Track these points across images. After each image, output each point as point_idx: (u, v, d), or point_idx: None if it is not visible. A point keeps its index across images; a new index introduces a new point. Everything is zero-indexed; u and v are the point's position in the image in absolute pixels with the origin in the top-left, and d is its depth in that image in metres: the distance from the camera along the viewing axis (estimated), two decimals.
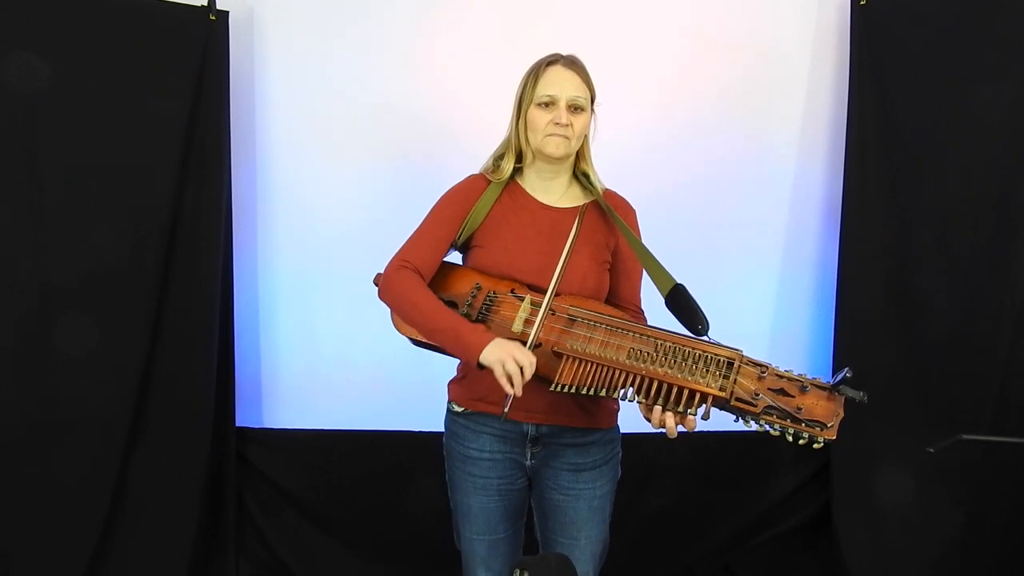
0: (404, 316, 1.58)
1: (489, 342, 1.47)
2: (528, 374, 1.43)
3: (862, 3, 2.32)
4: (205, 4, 2.31)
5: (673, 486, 2.57)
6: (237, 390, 2.52)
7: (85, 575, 2.34)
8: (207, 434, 2.42)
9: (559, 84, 1.59)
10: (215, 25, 2.32)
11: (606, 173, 1.76)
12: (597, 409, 1.64)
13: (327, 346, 2.56)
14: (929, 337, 2.38)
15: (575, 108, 1.59)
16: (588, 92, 1.63)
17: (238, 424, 2.54)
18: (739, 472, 2.58)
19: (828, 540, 2.53)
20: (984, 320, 2.34)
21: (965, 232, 2.33)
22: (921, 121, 2.33)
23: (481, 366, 1.47)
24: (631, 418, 1.68)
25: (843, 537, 2.46)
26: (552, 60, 1.63)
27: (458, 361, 1.67)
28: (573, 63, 1.63)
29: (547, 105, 1.59)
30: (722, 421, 1.46)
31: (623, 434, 1.74)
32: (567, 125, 1.58)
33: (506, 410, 1.47)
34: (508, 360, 1.43)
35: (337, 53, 2.45)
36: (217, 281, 2.40)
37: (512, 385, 1.42)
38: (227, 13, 2.35)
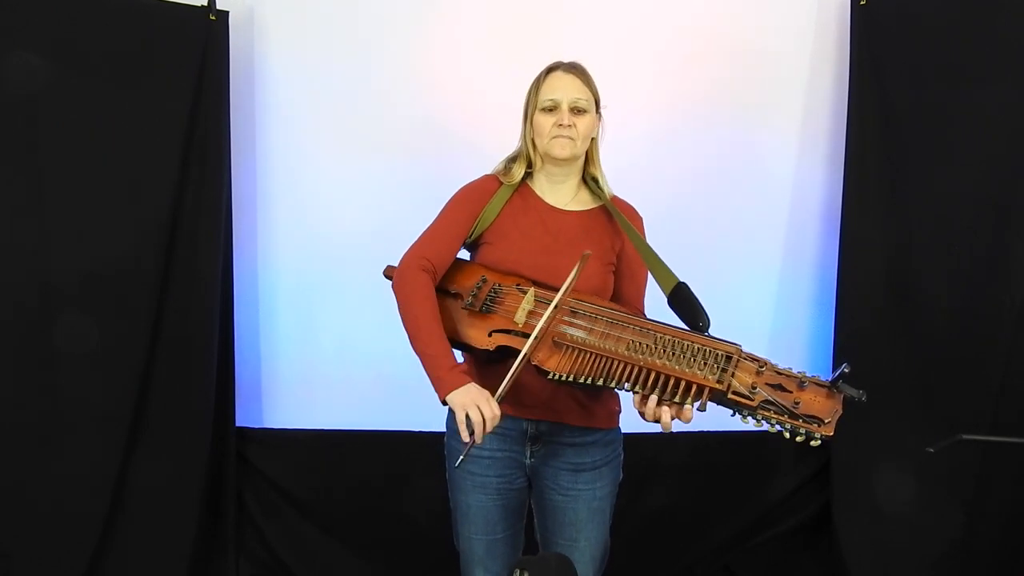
0: (404, 322, 1.59)
1: (462, 385, 1.48)
2: (490, 427, 1.44)
3: (862, 3, 2.32)
4: (205, 4, 2.31)
5: (673, 486, 2.57)
6: (237, 390, 2.52)
7: (85, 575, 2.34)
8: (207, 434, 2.42)
9: (560, 88, 1.64)
10: (215, 25, 2.32)
11: (607, 173, 1.76)
12: (596, 408, 1.65)
13: (327, 346, 2.56)
14: (929, 337, 2.38)
15: (577, 110, 1.64)
16: (591, 95, 1.67)
17: (238, 424, 2.54)
18: (739, 472, 2.58)
19: (828, 540, 2.53)
20: (984, 320, 2.34)
21: (965, 232, 2.34)
22: (921, 121, 2.33)
23: (445, 403, 1.50)
24: (631, 418, 1.68)
25: (843, 537, 2.46)
26: (553, 67, 1.68)
27: (460, 358, 1.67)
28: (573, 67, 1.68)
29: (550, 110, 1.64)
30: (722, 421, 1.47)
31: (623, 434, 1.74)
32: (570, 126, 1.62)
33: (461, 459, 1.47)
34: (472, 408, 1.44)
35: (337, 52, 2.45)
36: (217, 281, 2.39)
37: (472, 434, 1.43)
38: (227, 13, 2.35)
